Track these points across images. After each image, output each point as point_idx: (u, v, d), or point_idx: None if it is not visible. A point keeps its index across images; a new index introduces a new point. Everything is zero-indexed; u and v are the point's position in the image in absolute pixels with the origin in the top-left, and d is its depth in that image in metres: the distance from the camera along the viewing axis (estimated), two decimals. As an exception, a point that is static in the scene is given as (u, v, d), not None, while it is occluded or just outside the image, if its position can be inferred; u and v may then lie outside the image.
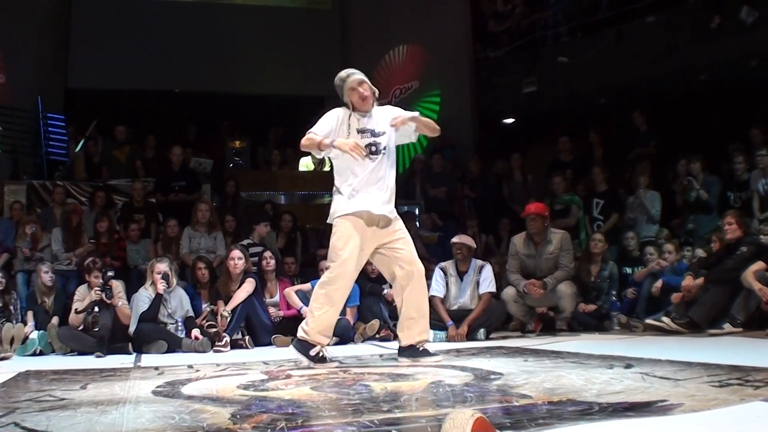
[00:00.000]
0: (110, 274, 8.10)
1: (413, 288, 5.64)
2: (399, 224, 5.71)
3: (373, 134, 5.61)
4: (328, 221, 5.71)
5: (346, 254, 5.47)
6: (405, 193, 12.74)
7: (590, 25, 13.26)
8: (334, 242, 5.56)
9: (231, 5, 16.85)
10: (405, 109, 5.86)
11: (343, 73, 5.69)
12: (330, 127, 5.58)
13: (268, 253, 8.94)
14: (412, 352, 5.63)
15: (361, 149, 5.39)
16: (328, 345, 5.69)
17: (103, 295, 7.74)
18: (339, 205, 5.59)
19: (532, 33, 14.11)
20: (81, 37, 15.77)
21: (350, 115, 5.63)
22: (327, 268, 5.65)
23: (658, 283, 8.46)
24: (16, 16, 14.49)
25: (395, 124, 5.62)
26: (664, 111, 11.70)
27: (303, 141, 5.61)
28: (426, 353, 5.61)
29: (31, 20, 14.84)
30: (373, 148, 5.56)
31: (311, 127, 5.63)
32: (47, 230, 9.96)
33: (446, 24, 15.06)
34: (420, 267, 5.70)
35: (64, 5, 15.76)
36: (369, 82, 5.69)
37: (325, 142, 5.45)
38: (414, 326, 5.67)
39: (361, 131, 5.60)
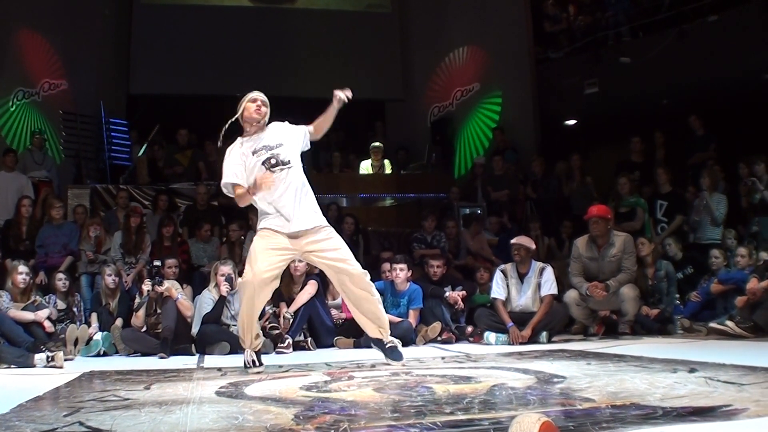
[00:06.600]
0: (156, 264, 8.29)
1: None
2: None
3: (268, 148, 5.76)
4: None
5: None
6: (467, 195, 12.77)
7: (652, 24, 13.17)
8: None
9: (291, 9, 16.86)
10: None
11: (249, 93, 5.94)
12: (240, 168, 5.75)
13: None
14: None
15: (267, 180, 5.57)
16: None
17: (152, 285, 7.83)
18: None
19: (593, 33, 14.01)
20: (142, 44, 15.95)
21: (242, 144, 5.85)
22: None
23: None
24: (77, 24, 14.79)
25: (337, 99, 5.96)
26: (728, 111, 11.50)
27: (237, 201, 5.87)
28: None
29: (92, 27, 15.16)
30: (273, 161, 5.72)
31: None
32: (111, 233, 10.07)
33: (506, 25, 14.94)
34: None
35: (125, 12, 15.98)
36: (266, 102, 5.95)
37: (249, 192, 5.66)
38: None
39: (255, 152, 5.74)
